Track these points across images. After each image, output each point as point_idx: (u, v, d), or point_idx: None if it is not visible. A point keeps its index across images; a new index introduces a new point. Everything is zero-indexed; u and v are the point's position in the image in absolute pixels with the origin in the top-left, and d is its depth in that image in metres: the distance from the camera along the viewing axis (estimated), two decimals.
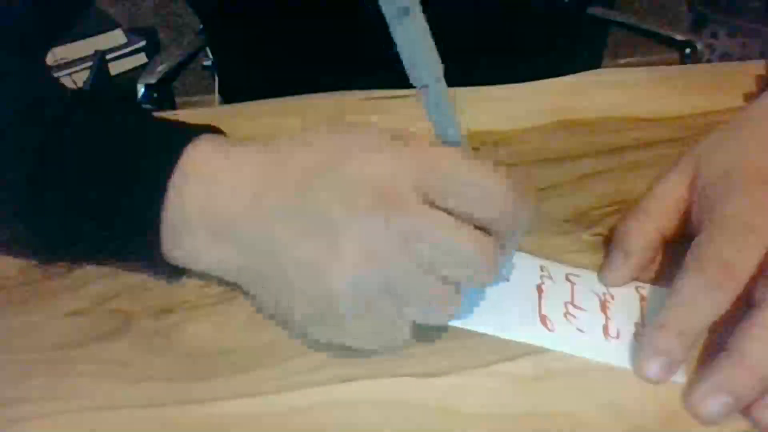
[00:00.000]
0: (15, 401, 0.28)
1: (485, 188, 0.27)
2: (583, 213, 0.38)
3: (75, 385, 0.29)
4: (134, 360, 0.30)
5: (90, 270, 0.34)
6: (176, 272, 0.32)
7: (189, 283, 0.33)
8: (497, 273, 0.28)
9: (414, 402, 0.28)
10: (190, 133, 0.31)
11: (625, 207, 0.36)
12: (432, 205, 0.27)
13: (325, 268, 0.27)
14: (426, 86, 0.27)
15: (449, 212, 0.27)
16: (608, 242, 0.35)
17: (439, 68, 0.27)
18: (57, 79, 0.38)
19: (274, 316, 0.31)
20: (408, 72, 0.26)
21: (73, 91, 0.33)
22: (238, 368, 0.29)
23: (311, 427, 0.27)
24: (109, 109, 0.33)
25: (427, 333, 0.30)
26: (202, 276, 0.33)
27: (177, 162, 0.29)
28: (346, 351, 0.29)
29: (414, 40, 0.25)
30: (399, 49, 0.26)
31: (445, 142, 0.29)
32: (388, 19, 0.25)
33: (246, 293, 0.32)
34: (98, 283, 0.33)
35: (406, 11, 0.24)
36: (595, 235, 0.36)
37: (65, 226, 0.31)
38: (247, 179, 0.29)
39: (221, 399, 0.28)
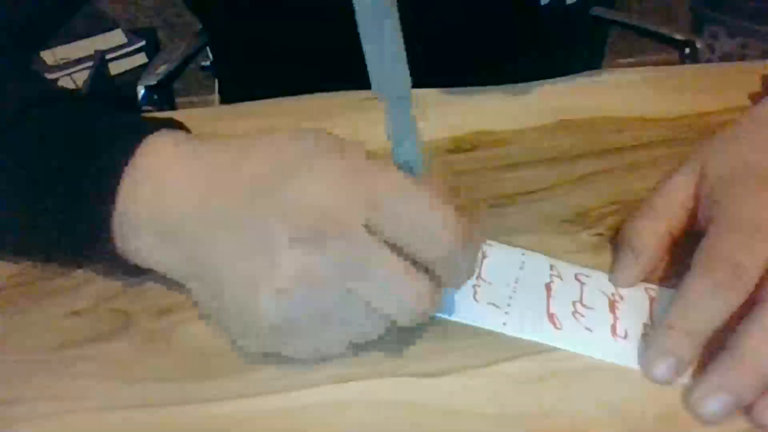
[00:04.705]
0: (15, 401, 0.28)
1: (429, 229, 0.26)
2: (583, 213, 0.38)
3: (75, 385, 0.29)
4: (134, 360, 0.30)
5: (90, 270, 0.34)
6: (134, 271, 0.31)
7: None
8: (432, 312, 0.28)
9: (414, 402, 0.28)
10: (146, 128, 0.30)
11: (625, 207, 0.36)
12: (375, 235, 0.26)
13: (257, 286, 0.26)
14: (387, 101, 0.24)
15: (392, 244, 0.26)
16: (614, 242, 0.35)
17: (405, 84, 0.24)
18: (33, 75, 0.38)
19: (216, 321, 0.30)
20: (371, 81, 0.24)
21: (42, 86, 0.33)
22: (237, 368, 0.29)
23: (310, 428, 0.27)
24: (66, 105, 0.32)
25: (427, 333, 0.30)
26: None
27: (131, 159, 0.29)
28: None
29: (380, 50, 0.23)
30: (365, 55, 0.23)
31: (401, 163, 0.27)
32: (359, 27, 0.22)
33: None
34: (98, 283, 0.33)
35: (381, 15, 0.22)
36: (595, 235, 0.36)
37: (21, 222, 0.31)
38: (196, 181, 0.28)
39: (221, 399, 0.28)
